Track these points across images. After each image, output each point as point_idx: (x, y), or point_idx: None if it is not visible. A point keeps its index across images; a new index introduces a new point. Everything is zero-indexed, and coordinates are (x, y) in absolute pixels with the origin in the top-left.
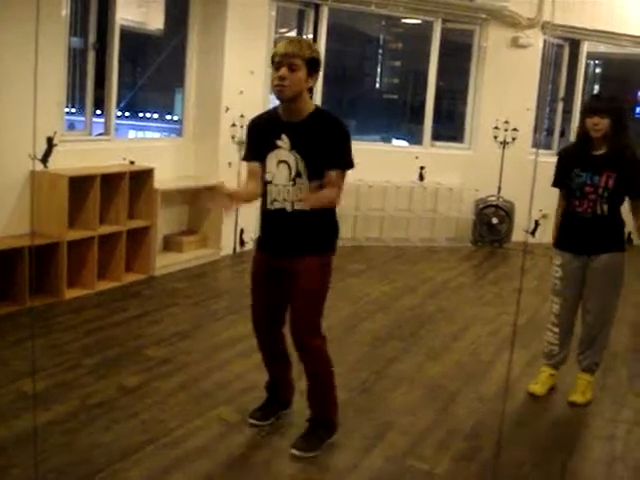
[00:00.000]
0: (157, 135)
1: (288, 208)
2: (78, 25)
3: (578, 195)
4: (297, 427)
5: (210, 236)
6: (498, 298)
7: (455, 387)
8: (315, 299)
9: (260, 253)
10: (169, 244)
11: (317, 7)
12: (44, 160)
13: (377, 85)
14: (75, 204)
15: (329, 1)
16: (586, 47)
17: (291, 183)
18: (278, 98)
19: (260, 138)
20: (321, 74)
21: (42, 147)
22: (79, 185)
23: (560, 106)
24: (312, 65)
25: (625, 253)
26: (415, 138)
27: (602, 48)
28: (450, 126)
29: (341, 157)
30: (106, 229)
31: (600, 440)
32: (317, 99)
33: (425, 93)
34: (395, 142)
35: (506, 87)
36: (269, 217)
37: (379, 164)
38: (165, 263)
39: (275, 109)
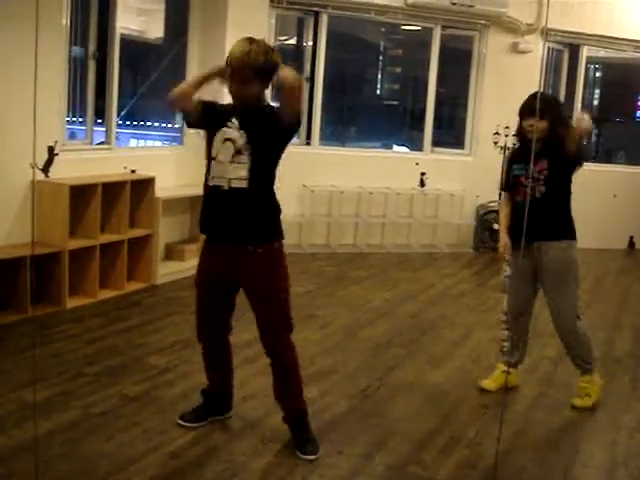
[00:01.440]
0: (158, 143)
1: (225, 186)
2: (78, 34)
3: (516, 186)
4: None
5: None
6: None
7: (457, 394)
8: (277, 297)
9: (206, 244)
10: (171, 252)
11: (317, 14)
12: (45, 169)
13: (377, 92)
14: (76, 213)
15: (328, 8)
16: (586, 52)
17: (231, 160)
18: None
19: (212, 114)
20: (321, 81)
21: (43, 156)
22: (80, 194)
23: None
24: (265, 74)
25: (575, 242)
26: (416, 144)
27: (602, 53)
28: (451, 132)
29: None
30: (107, 238)
31: (602, 446)
32: (317, 106)
33: (425, 99)
34: (396, 148)
35: (506, 93)
36: (208, 195)
37: (379, 171)
38: (167, 272)
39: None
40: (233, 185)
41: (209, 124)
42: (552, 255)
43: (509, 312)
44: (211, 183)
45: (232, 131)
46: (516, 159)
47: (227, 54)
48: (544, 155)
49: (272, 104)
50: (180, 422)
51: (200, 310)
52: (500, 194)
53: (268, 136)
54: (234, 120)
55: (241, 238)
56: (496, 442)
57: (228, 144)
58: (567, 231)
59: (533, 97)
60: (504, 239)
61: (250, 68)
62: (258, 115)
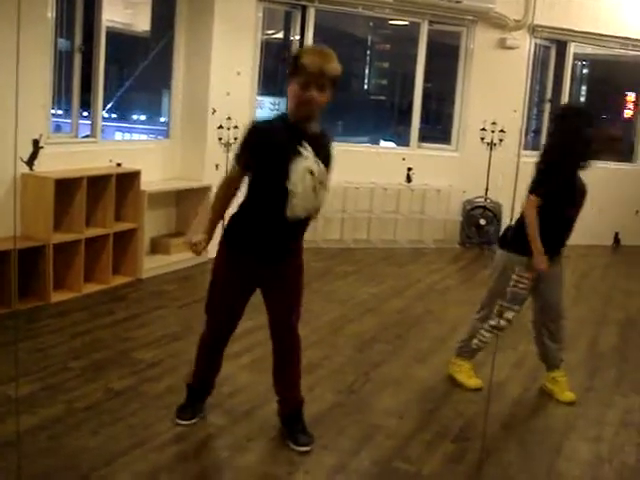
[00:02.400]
0: (144, 137)
1: (303, 215)
2: (64, 27)
3: (570, 205)
4: (280, 429)
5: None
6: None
7: (443, 389)
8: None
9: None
10: (156, 246)
11: (304, 8)
12: (30, 163)
13: (365, 86)
14: (61, 207)
15: (316, 2)
16: (573, 48)
17: (313, 191)
18: (301, 113)
19: (273, 146)
20: None
21: (28, 149)
22: (65, 187)
23: (547, 107)
24: (336, 82)
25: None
26: (403, 139)
27: (589, 49)
28: (438, 127)
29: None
30: (93, 232)
31: (586, 442)
32: None
33: (412, 95)
34: (383, 143)
35: (493, 88)
36: (278, 226)
37: (366, 166)
38: (152, 265)
39: (283, 117)
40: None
41: (283, 160)
42: (561, 262)
43: (512, 322)
44: (292, 215)
45: (310, 161)
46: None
47: (212, 51)
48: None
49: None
50: (181, 422)
51: (223, 313)
52: (527, 197)
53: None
54: (307, 146)
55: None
56: (481, 437)
57: (308, 175)
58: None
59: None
60: (543, 259)
61: (330, 76)
62: (322, 141)
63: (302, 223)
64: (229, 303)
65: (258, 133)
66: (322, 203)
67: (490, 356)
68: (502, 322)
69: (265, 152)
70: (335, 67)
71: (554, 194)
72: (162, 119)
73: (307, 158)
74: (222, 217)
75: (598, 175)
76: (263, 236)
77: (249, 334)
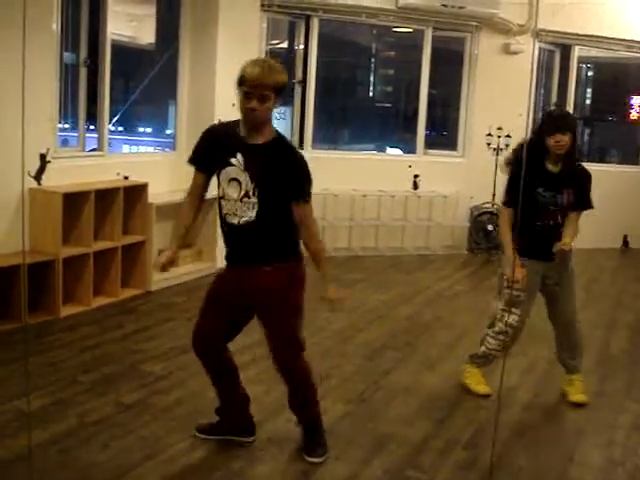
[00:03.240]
0: (151, 149)
1: (235, 222)
2: (69, 40)
3: (541, 212)
4: (291, 440)
5: (205, 249)
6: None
7: (453, 396)
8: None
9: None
10: None
11: (308, 18)
12: (38, 177)
13: (370, 94)
14: (70, 221)
15: (320, 12)
16: (577, 52)
17: (239, 200)
18: (245, 123)
19: (214, 150)
20: (313, 85)
21: (36, 164)
22: (73, 201)
23: None
24: (279, 91)
25: None
26: (409, 146)
27: (594, 52)
28: (443, 134)
29: (307, 188)
30: (101, 245)
31: (598, 446)
32: (310, 109)
33: (418, 101)
34: (389, 151)
35: (498, 94)
36: (225, 229)
37: (372, 174)
38: (161, 278)
39: (235, 123)
40: (242, 222)
41: (215, 167)
42: (569, 264)
43: (517, 326)
44: (226, 220)
45: (237, 170)
46: (539, 182)
47: (218, 58)
48: (570, 184)
49: (280, 133)
50: (197, 434)
51: (201, 322)
52: (500, 203)
53: (278, 184)
54: (239, 156)
55: (255, 260)
56: (492, 444)
57: (233, 184)
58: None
59: (560, 113)
60: (519, 271)
61: (270, 86)
62: (266, 153)
63: (255, 232)
64: (208, 305)
65: (207, 135)
66: (260, 214)
67: (500, 362)
68: (503, 327)
69: (206, 154)
70: (274, 78)
71: (524, 201)
72: (168, 131)
73: (235, 167)
74: (187, 226)
75: (606, 178)
76: (226, 242)
77: (256, 346)
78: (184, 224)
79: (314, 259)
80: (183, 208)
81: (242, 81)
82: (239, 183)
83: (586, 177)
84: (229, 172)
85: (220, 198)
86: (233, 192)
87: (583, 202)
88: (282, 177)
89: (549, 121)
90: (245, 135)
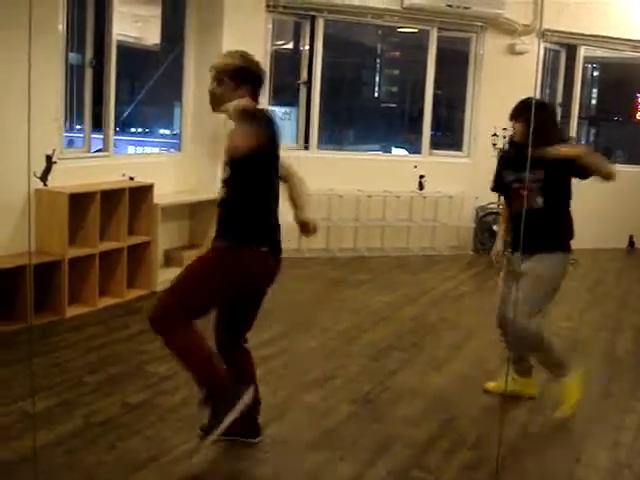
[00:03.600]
0: (156, 150)
1: (219, 200)
2: (75, 41)
3: (511, 195)
4: (296, 441)
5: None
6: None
7: (459, 397)
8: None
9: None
10: (170, 259)
11: (313, 19)
12: (44, 178)
13: (376, 94)
14: (75, 221)
15: (325, 13)
16: (583, 52)
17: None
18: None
19: None
20: (318, 85)
21: (42, 165)
22: (79, 202)
23: (558, 112)
24: (237, 75)
25: (568, 254)
26: (415, 147)
27: (599, 52)
28: (449, 134)
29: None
30: (107, 245)
31: (605, 447)
32: (315, 110)
33: (423, 102)
34: (395, 151)
35: (504, 94)
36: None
37: (378, 174)
38: (167, 278)
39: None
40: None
41: None
42: (541, 263)
43: (499, 322)
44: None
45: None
46: (507, 164)
47: None
48: (538, 164)
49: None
50: (201, 434)
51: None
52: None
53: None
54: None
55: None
56: (498, 445)
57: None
58: (562, 243)
59: (522, 101)
60: (498, 245)
61: (223, 70)
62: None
63: (224, 209)
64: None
65: None
66: (229, 192)
67: (506, 363)
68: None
69: None
70: (221, 61)
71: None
72: (174, 132)
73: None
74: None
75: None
76: None
77: (262, 347)
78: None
79: (295, 194)
80: None
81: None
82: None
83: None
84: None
85: None
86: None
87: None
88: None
89: (513, 109)
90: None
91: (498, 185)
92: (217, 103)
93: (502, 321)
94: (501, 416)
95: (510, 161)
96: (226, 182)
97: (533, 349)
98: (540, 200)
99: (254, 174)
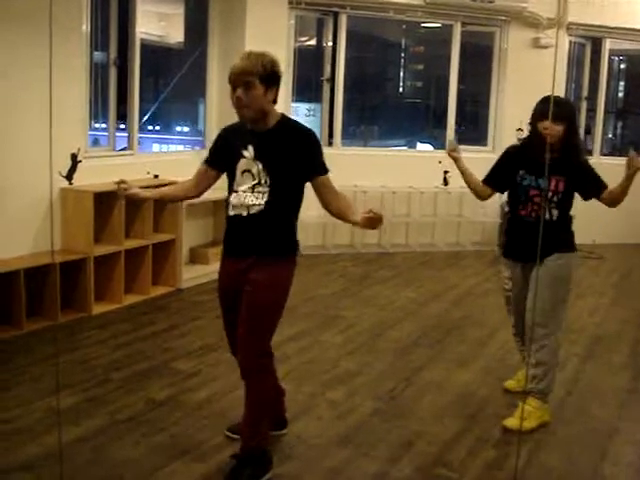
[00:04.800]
0: (180, 148)
1: (244, 214)
2: (99, 40)
3: (523, 199)
4: (319, 437)
5: None
6: None
7: (484, 394)
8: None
9: (225, 259)
10: (195, 256)
11: (336, 15)
12: (69, 177)
13: (400, 90)
14: (101, 219)
15: (347, 8)
16: (608, 45)
17: (250, 190)
18: (240, 116)
19: (227, 148)
20: (341, 81)
21: (67, 164)
22: (104, 200)
23: (584, 105)
24: (268, 80)
25: (576, 253)
26: (439, 142)
27: (626, 45)
28: (474, 129)
29: (320, 163)
30: (132, 243)
31: (632, 444)
32: (338, 106)
33: (447, 97)
34: (420, 146)
35: (528, 88)
36: (230, 223)
37: (402, 170)
38: (191, 275)
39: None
40: (252, 212)
41: (231, 162)
42: (551, 268)
43: (516, 325)
44: (231, 213)
45: (249, 162)
46: (524, 165)
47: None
48: (560, 171)
49: (286, 117)
50: (227, 434)
51: (226, 330)
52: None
53: (289, 166)
54: (250, 148)
55: (255, 251)
56: (523, 442)
57: (246, 175)
58: (570, 245)
59: (548, 99)
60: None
61: (254, 73)
62: (273, 138)
63: (262, 222)
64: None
65: (220, 135)
66: (271, 202)
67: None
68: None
69: (220, 153)
70: (252, 63)
71: (508, 187)
72: (199, 129)
73: (246, 159)
74: (163, 196)
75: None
76: (227, 236)
77: (286, 344)
78: (165, 193)
79: (347, 213)
80: (176, 184)
81: (229, 78)
82: (251, 173)
83: (585, 164)
84: (241, 165)
85: (230, 193)
86: (245, 183)
87: (595, 186)
88: (294, 158)
89: (539, 107)
90: (252, 127)
91: (498, 180)
92: (257, 112)
93: (520, 329)
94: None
95: (529, 162)
96: (271, 190)
97: (543, 359)
98: (555, 212)
99: (300, 183)
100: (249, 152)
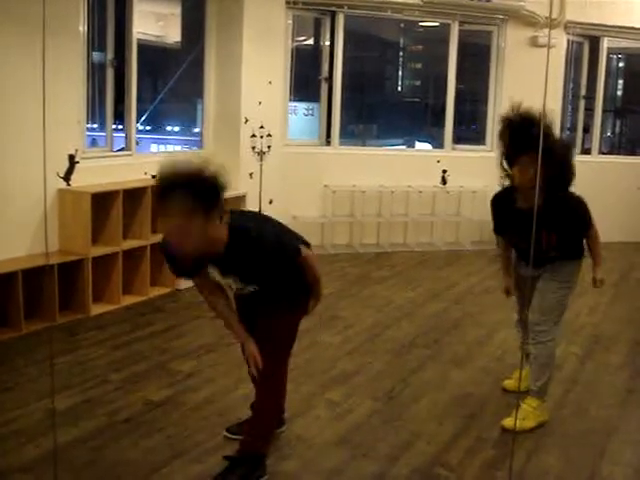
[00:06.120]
0: (178, 148)
1: (241, 293)
2: (96, 40)
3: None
4: (319, 437)
5: None
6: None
7: (482, 394)
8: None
9: None
10: None
11: (333, 14)
12: (66, 178)
13: (398, 89)
14: (98, 220)
15: (345, 8)
16: (606, 43)
17: (238, 291)
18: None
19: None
20: (339, 81)
21: (64, 165)
22: (102, 201)
23: (582, 104)
24: (203, 201)
25: (581, 260)
26: (438, 141)
27: (624, 43)
28: (472, 128)
29: (289, 253)
30: (130, 244)
31: (630, 443)
32: (336, 106)
33: (446, 96)
34: (419, 145)
35: (526, 87)
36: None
37: (400, 169)
38: None
39: None
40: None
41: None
42: (558, 272)
43: (520, 319)
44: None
45: (218, 276)
46: (509, 223)
47: (242, 61)
48: (549, 226)
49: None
50: (226, 434)
51: None
52: None
53: (258, 270)
54: (211, 268)
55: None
56: (522, 442)
57: (224, 282)
58: (578, 251)
59: (514, 123)
60: (506, 282)
61: (181, 208)
62: (230, 258)
63: (261, 295)
64: None
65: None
66: (262, 287)
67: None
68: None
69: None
70: (180, 197)
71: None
72: (196, 129)
73: (215, 274)
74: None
75: (637, 170)
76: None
77: None
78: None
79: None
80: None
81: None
82: (228, 285)
83: (571, 212)
84: (213, 276)
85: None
86: (227, 288)
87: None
88: (263, 265)
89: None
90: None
91: (504, 228)
92: (201, 243)
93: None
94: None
95: (511, 222)
96: (258, 284)
97: (541, 357)
98: (554, 252)
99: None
100: (214, 270)
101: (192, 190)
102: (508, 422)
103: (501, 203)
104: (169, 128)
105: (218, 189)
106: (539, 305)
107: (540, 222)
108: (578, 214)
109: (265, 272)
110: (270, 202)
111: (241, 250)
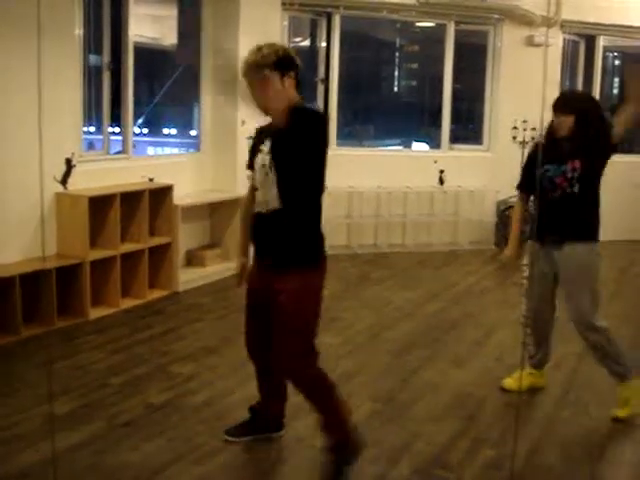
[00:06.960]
0: (175, 151)
1: (263, 211)
2: (92, 43)
3: (549, 188)
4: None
5: (232, 249)
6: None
7: (481, 394)
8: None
9: (254, 264)
10: (191, 259)
11: (329, 15)
12: (64, 181)
13: (395, 89)
14: (96, 224)
15: (341, 9)
16: (602, 42)
17: (265, 186)
18: (259, 110)
19: (254, 145)
20: (336, 82)
21: (61, 168)
22: (99, 205)
23: None
24: (280, 67)
25: (598, 243)
26: (435, 141)
27: (620, 41)
28: (469, 128)
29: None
30: (128, 247)
31: (630, 444)
32: (333, 107)
33: (442, 96)
34: (416, 145)
35: (523, 86)
36: (253, 221)
37: (398, 170)
38: (188, 278)
39: None
40: (270, 208)
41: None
42: (574, 256)
43: (530, 314)
44: (255, 210)
45: (264, 156)
46: (546, 159)
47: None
48: (576, 155)
49: (298, 107)
50: (226, 437)
51: (246, 327)
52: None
53: (291, 161)
54: (266, 142)
55: (279, 261)
56: (522, 442)
57: (262, 170)
58: (593, 232)
59: (563, 94)
60: (513, 248)
61: (263, 65)
62: (284, 132)
63: (273, 220)
64: (246, 309)
65: (251, 137)
66: (284, 201)
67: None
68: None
69: (251, 153)
70: (257, 54)
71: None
72: (193, 132)
73: (262, 152)
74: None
75: (635, 168)
76: (253, 236)
77: None
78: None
79: None
80: (243, 210)
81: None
82: (264, 167)
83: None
84: (258, 160)
85: (255, 190)
86: (260, 178)
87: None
88: (297, 148)
89: (555, 101)
90: (273, 122)
91: (528, 183)
92: (274, 103)
93: (536, 317)
94: (517, 414)
95: (547, 155)
96: (280, 185)
97: (600, 343)
98: (577, 186)
99: (320, 180)
100: (265, 146)
101: (275, 56)
102: (620, 412)
103: (537, 149)
104: (166, 131)
105: (295, 62)
106: (572, 302)
107: (568, 154)
108: (606, 135)
109: (302, 170)
110: None
111: (292, 123)
